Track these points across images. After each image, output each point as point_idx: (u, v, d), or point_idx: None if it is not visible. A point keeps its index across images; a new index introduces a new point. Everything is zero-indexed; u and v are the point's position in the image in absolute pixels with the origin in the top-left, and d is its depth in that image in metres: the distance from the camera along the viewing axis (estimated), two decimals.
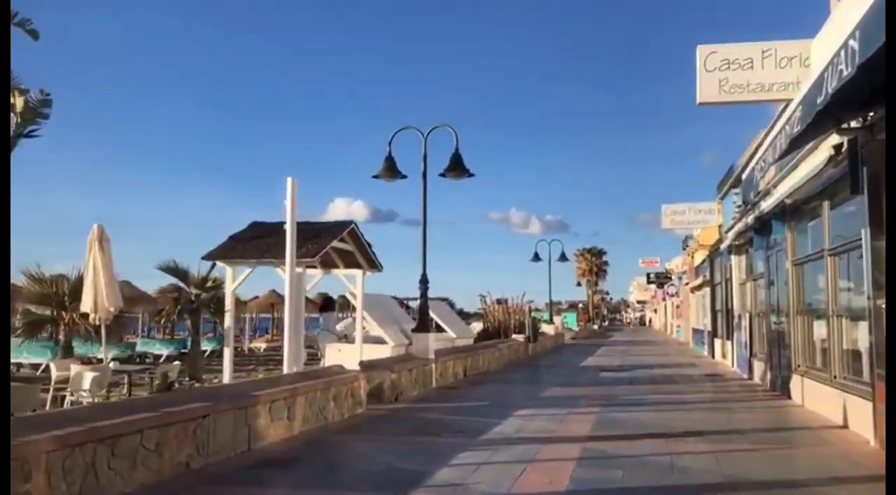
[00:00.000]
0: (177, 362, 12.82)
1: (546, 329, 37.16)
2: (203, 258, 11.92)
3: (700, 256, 35.05)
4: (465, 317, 39.94)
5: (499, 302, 33.68)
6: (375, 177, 14.73)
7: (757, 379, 15.67)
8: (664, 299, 62.62)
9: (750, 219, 14.29)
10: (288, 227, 9.67)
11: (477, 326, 33.02)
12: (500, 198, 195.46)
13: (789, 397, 12.28)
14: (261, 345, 30.09)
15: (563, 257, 37.77)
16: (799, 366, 12.02)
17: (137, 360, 21.11)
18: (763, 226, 14.16)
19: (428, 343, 14.48)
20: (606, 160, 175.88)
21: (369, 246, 13.40)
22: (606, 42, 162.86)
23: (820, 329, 10.93)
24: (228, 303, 12.14)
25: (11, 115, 10.90)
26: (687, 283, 40.19)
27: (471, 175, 14.90)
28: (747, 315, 16.99)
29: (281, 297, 26.72)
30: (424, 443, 8.23)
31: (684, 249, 48.61)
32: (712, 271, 25.13)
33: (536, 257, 37.18)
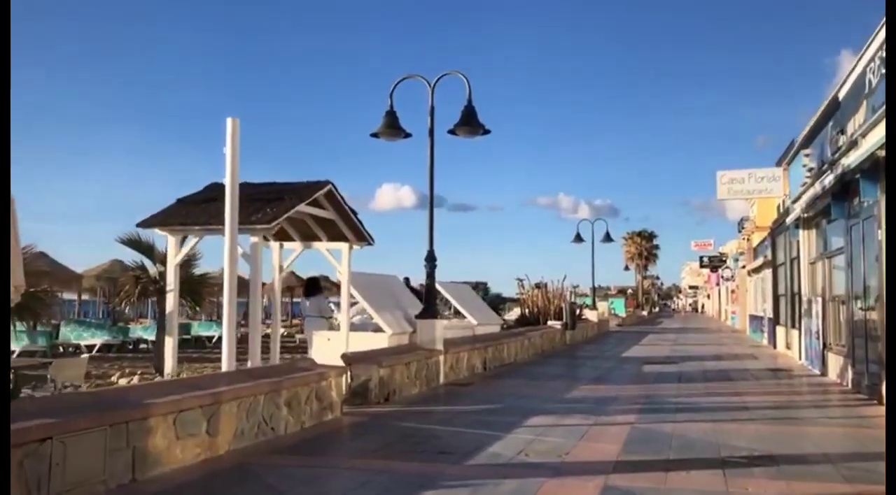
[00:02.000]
0: (85, 355, 10.87)
1: (588, 315, 34.63)
2: (138, 225, 9.80)
3: (758, 238, 32.07)
4: (503, 302, 37.55)
5: (538, 286, 31.28)
6: (374, 135, 12.51)
7: (833, 376, 13.01)
8: (718, 284, 59.30)
9: (827, 181, 11.62)
10: (227, 181, 7.46)
11: (518, 312, 30.73)
12: (548, 182, 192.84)
13: (881, 402, 9.68)
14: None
15: (608, 237, 34.96)
16: None
17: (131, 347, 19.37)
18: (845, 188, 11.47)
19: (435, 331, 12.22)
20: (657, 143, 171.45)
21: (354, 213, 11.13)
22: (658, 23, 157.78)
23: None
24: (170, 281, 9.95)
25: None
26: (744, 266, 37.09)
27: (486, 131, 12.57)
28: (819, 299, 14.29)
29: (299, 280, 24.77)
30: (383, 472, 5.97)
31: (740, 231, 45.41)
32: (774, 250, 22.25)
33: (578, 238, 34.43)
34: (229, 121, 7.38)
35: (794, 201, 16.56)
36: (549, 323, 24.94)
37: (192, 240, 9.77)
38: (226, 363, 7.68)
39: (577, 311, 33.41)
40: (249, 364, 8.60)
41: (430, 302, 12.53)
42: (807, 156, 14.52)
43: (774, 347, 21.79)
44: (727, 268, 45.96)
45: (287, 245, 11.80)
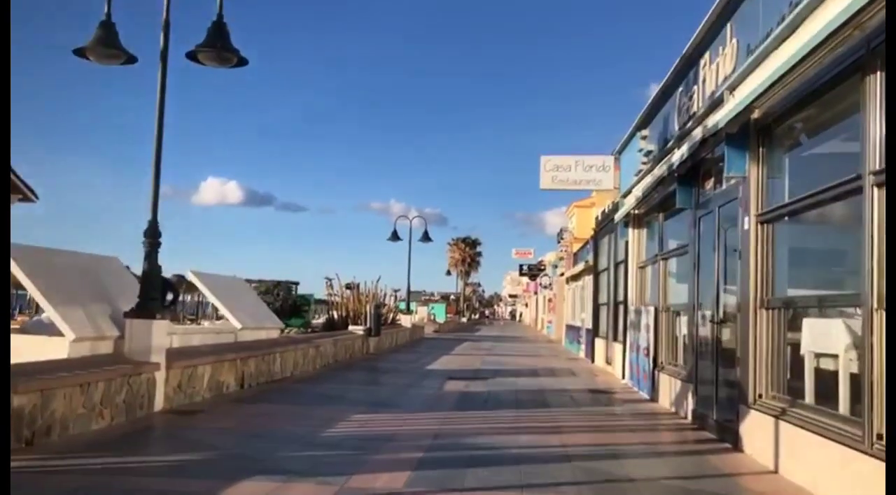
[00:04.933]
0: None
1: (403, 320, 31.86)
2: None
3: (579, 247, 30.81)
4: (307, 304, 33.88)
5: (348, 287, 27.99)
6: (78, 52, 8.69)
7: (666, 403, 10.69)
8: (536, 292, 58.97)
9: (675, 158, 9.21)
10: None
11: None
12: (381, 188, 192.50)
13: (738, 447, 7.23)
14: None
15: (427, 237, 32.47)
16: (760, 395, 6.97)
17: None
18: (695, 169, 9.11)
19: (151, 336, 8.60)
20: (484, 157, 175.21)
21: None
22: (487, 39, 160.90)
23: (834, 336, 5.83)
24: None
25: None
26: (562, 274, 35.86)
27: (242, 62, 9.11)
28: (651, 310, 12.04)
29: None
30: None
31: (559, 242, 44.74)
32: (597, 254, 20.35)
33: (395, 236, 31.69)
34: None
35: (625, 195, 14.40)
36: (351, 328, 21.71)
37: None
38: None
39: (391, 315, 30.55)
40: None
41: (146, 294, 8.83)
42: (644, 138, 12.26)
43: (592, 361, 19.82)
44: (546, 275, 45.05)
45: None
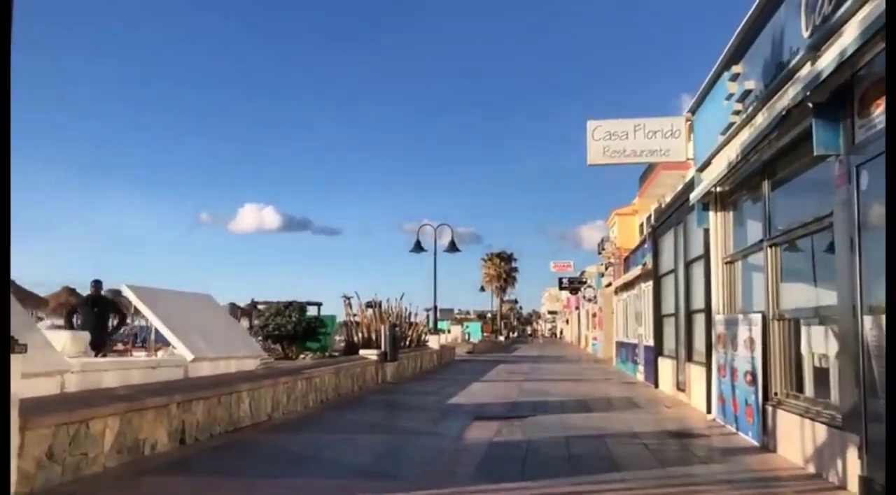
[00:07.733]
0: None
1: (431, 340, 28.51)
2: None
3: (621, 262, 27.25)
4: (322, 325, 30.50)
5: (370, 305, 24.77)
6: None
7: (791, 455, 7.12)
8: (577, 307, 55.13)
9: (825, 64, 5.70)
10: None
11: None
12: (415, 209, 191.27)
13: None
14: None
15: (454, 247, 29.06)
16: None
17: None
18: (846, 89, 5.63)
19: None
20: (518, 174, 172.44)
21: None
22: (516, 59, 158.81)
23: None
24: None
25: None
26: (609, 284, 32.14)
27: None
28: (755, 319, 8.49)
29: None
30: None
31: (600, 253, 41.10)
32: (657, 254, 16.71)
33: (418, 246, 28.47)
34: None
35: (703, 167, 10.85)
36: (362, 352, 18.43)
37: None
38: None
39: (419, 335, 27.32)
40: None
41: None
42: (734, 79, 8.76)
43: (656, 386, 16.18)
44: (589, 287, 41.20)
45: None
